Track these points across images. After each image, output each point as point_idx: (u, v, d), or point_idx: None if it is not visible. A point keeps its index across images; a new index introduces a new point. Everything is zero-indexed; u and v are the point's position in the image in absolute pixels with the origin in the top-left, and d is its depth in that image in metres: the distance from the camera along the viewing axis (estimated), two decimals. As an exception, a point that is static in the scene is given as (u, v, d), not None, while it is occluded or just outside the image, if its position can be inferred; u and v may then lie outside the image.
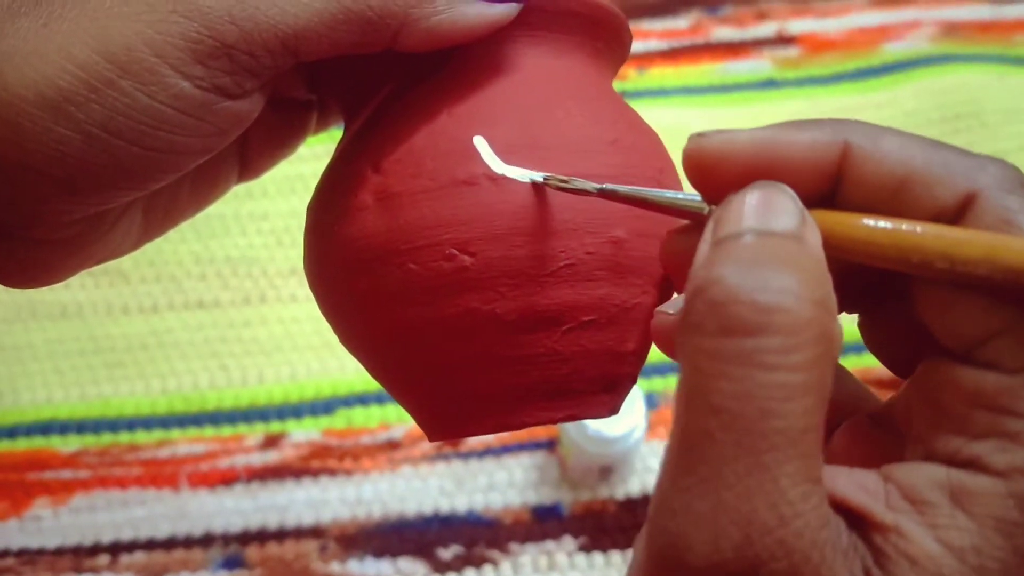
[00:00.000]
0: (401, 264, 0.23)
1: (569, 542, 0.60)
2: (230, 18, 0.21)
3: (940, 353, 0.19)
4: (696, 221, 0.21)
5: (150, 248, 0.76)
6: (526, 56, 0.25)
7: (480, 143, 0.23)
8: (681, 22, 0.91)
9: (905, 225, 0.18)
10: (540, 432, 0.64)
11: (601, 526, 0.60)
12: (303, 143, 0.30)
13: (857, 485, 0.18)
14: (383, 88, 0.25)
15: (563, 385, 0.24)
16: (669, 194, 0.22)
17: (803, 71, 0.87)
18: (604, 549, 0.60)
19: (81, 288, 0.70)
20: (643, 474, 0.63)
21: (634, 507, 0.61)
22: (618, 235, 0.23)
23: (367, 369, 0.27)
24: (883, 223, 0.18)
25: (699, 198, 0.21)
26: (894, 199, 0.19)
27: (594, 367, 0.24)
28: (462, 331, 0.23)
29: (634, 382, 0.26)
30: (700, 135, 0.20)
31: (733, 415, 0.16)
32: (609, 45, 0.27)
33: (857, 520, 0.18)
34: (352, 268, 0.25)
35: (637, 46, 0.89)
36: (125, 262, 0.71)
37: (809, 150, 0.19)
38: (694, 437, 0.17)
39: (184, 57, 0.21)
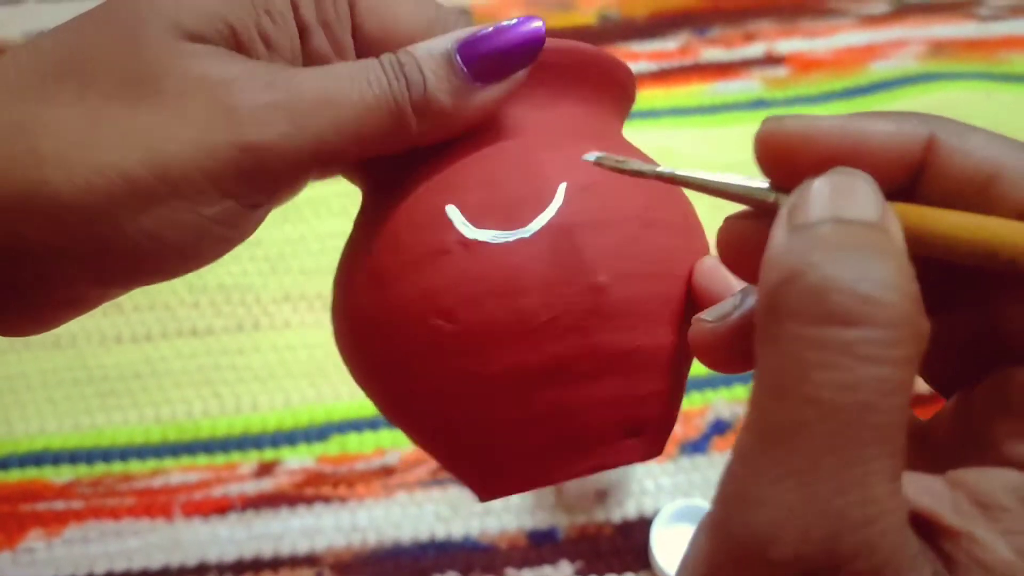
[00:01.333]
0: (393, 338, 0.24)
1: (566, 566, 0.60)
2: (279, 151, 0.22)
3: (1016, 360, 0.18)
4: (759, 209, 0.20)
5: (143, 277, 0.75)
6: (514, 113, 0.25)
7: (452, 211, 0.23)
8: (670, 44, 0.92)
9: (993, 220, 0.18)
10: (535, 456, 0.64)
11: (597, 550, 0.60)
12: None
13: (923, 489, 0.17)
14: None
15: (581, 438, 0.24)
16: (733, 178, 0.21)
17: (792, 91, 0.88)
18: (601, 573, 0.59)
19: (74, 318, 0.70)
20: (639, 497, 0.62)
21: (630, 530, 0.61)
22: (599, 281, 0.23)
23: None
24: (972, 218, 0.18)
25: (765, 185, 0.20)
26: (980, 195, 0.18)
27: (608, 415, 0.24)
28: (463, 397, 0.24)
29: (667, 422, 0.26)
30: (777, 118, 0.19)
31: (833, 407, 0.16)
32: (605, 88, 0.27)
33: (925, 526, 0.17)
34: (356, 345, 0.26)
35: (627, 68, 0.90)
36: (118, 291, 0.71)
37: (893, 139, 0.19)
38: (785, 428, 0.16)
39: (232, 182, 0.22)
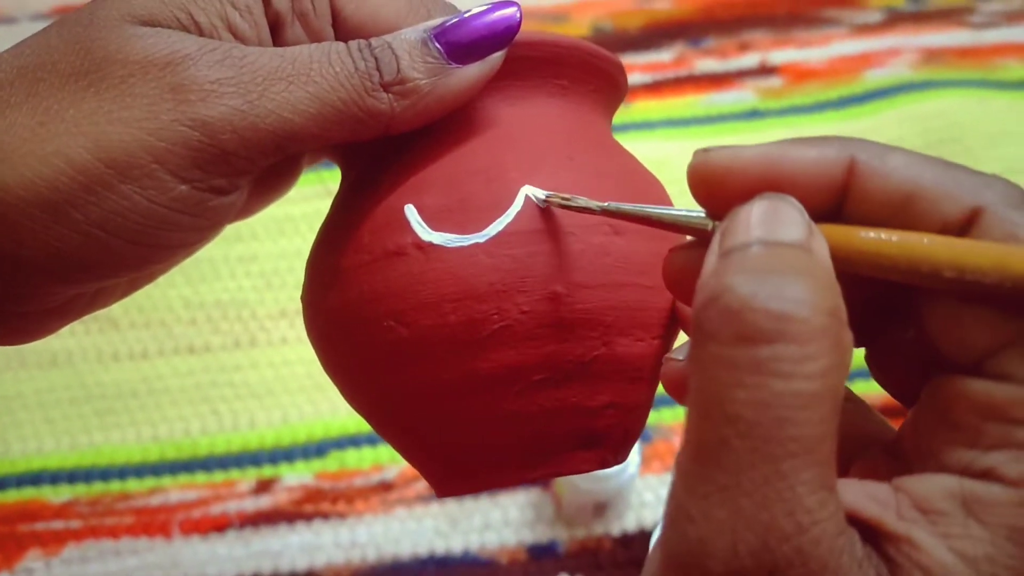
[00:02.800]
0: (353, 337, 0.24)
1: (566, 580, 0.59)
2: (231, 127, 0.21)
3: (949, 368, 0.19)
4: (700, 238, 0.21)
5: (139, 294, 0.76)
6: (487, 110, 0.25)
7: (410, 211, 0.23)
8: (664, 55, 0.92)
9: (914, 236, 0.18)
10: (534, 469, 0.64)
11: (597, 563, 0.60)
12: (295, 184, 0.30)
13: (868, 496, 0.18)
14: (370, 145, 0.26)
15: (534, 445, 0.24)
16: (672, 210, 0.21)
17: (786, 101, 0.88)
18: (601, 587, 0.59)
19: (71, 336, 0.70)
20: (638, 510, 0.62)
21: (630, 543, 0.61)
22: (556, 290, 0.22)
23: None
24: (893, 234, 0.19)
25: (703, 214, 0.21)
26: (900, 214, 0.19)
27: (560, 425, 0.24)
28: (418, 399, 0.24)
29: (629, 433, 0.25)
30: (705, 150, 0.20)
31: (750, 423, 0.16)
32: (585, 81, 0.26)
33: (870, 531, 0.18)
34: (321, 338, 0.25)
35: (621, 80, 0.90)
36: (115, 309, 0.71)
37: (815, 165, 0.19)
38: (711, 446, 0.17)
39: (184, 163, 0.21)
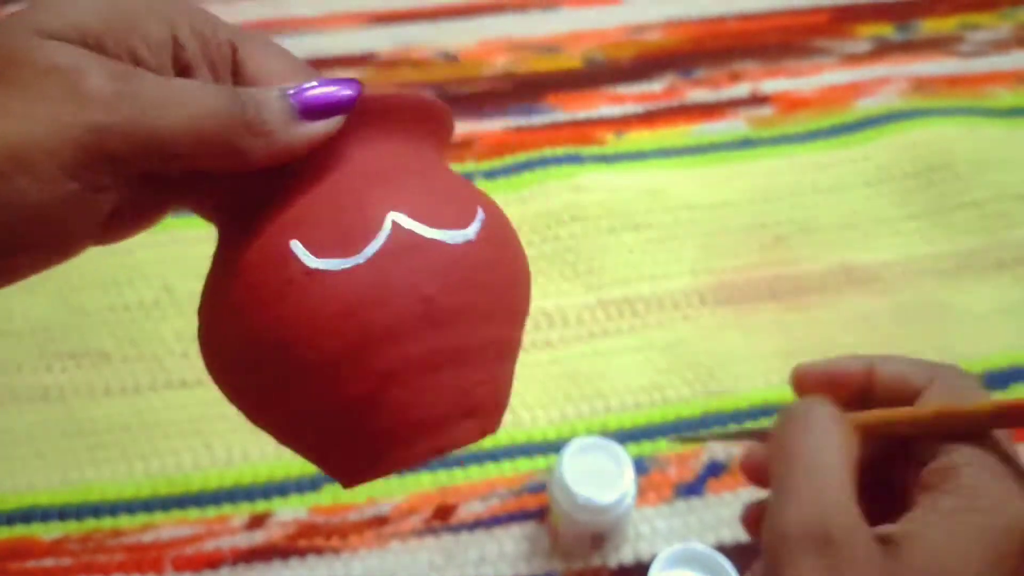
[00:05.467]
0: (258, 365, 0.28)
1: (563, 614, 0.59)
2: (121, 135, 0.25)
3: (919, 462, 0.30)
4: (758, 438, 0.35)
5: (132, 328, 0.76)
6: (350, 153, 0.29)
7: (295, 245, 0.27)
8: (656, 85, 0.93)
9: (882, 412, 0.31)
10: (530, 503, 0.64)
11: (595, 597, 0.59)
12: (164, 218, 0.33)
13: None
14: (240, 190, 0.29)
15: (424, 423, 0.28)
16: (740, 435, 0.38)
17: (778, 129, 0.89)
18: (599, 620, 0.58)
19: (62, 371, 0.70)
20: (635, 541, 0.62)
21: (627, 575, 0.60)
22: (427, 293, 0.27)
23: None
24: (882, 412, 0.32)
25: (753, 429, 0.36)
26: (900, 387, 0.32)
27: (443, 403, 0.28)
28: (322, 404, 0.28)
29: (499, 404, 0.31)
30: (800, 367, 0.35)
31: (799, 453, 0.30)
32: (422, 125, 0.31)
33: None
34: (226, 375, 0.29)
35: (614, 110, 0.91)
36: (107, 342, 0.71)
37: (849, 370, 0.33)
38: (779, 470, 0.30)
39: (77, 163, 0.24)
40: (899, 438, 0.32)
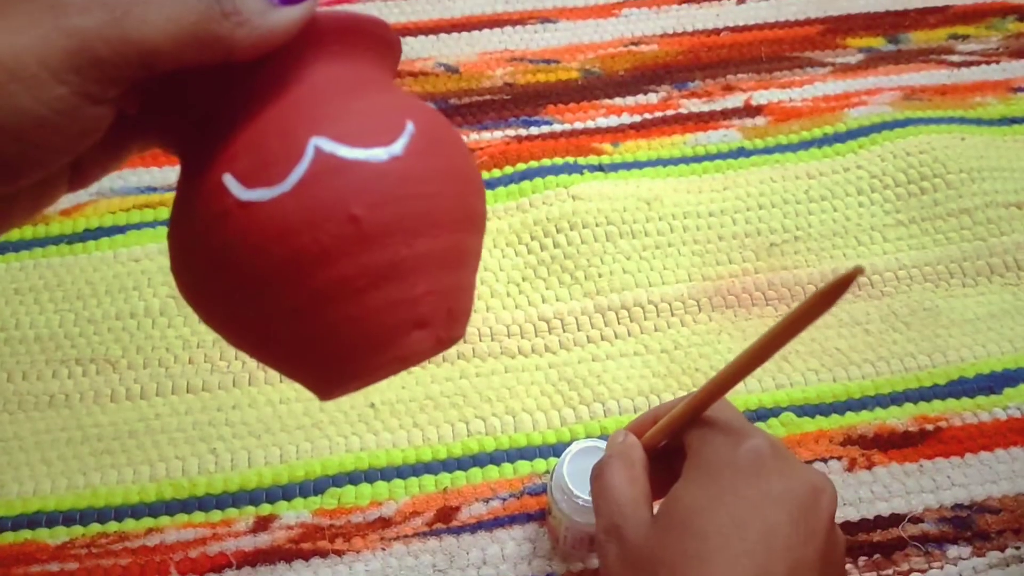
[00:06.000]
0: (204, 289, 0.30)
1: (564, 615, 0.60)
2: (102, 36, 0.25)
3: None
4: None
5: (138, 335, 0.76)
6: (280, 80, 0.30)
7: (227, 179, 0.28)
8: (652, 97, 0.95)
9: (657, 425, 0.45)
10: (531, 504, 0.64)
11: (595, 597, 0.60)
12: (129, 158, 0.34)
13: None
14: (198, 113, 0.31)
15: (374, 340, 0.30)
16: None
17: (771, 139, 0.90)
18: (599, 620, 0.59)
19: (69, 377, 0.71)
20: (635, 542, 0.62)
21: (627, 576, 0.61)
22: (354, 213, 0.28)
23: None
24: (654, 428, 0.46)
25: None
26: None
27: (391, 316, 0.30)
28: (275, 324, 0.29)
29: (453, 311, 0.31)
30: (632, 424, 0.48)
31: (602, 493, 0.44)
32: (368, 46, 0.32)
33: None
34: (191, 297, 0.31)
35: (611, 121, 0.92)
36: (113, 349, 0.72)
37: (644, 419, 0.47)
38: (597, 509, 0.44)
39: (63, 67, 0.25)
40: (671, 436, 0.45)
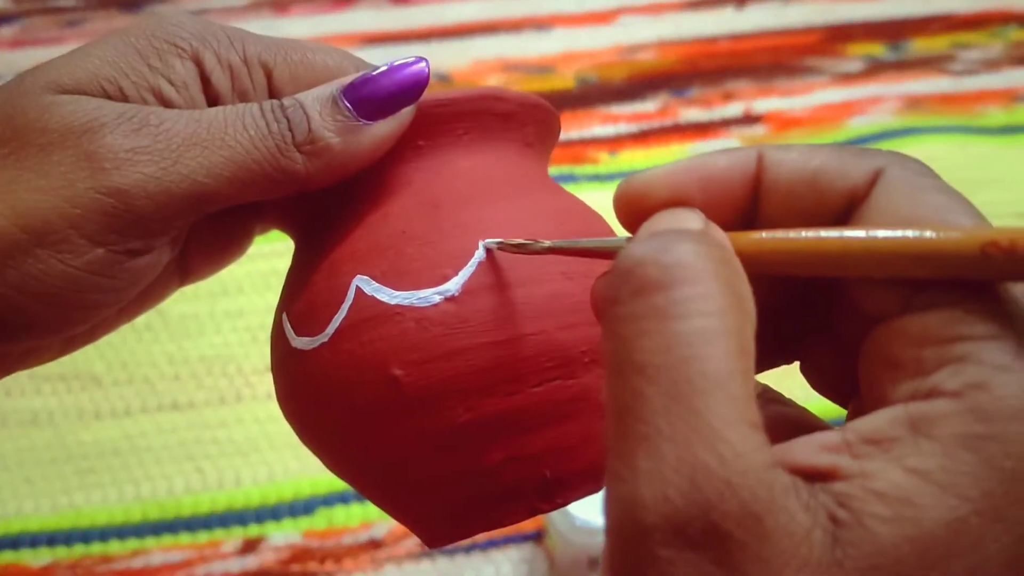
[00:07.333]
0: (325, 406, 0.25)
1: (561, 639, 0.58)
2: (145, 193, 0.22)
3: (883, 322, 0.19)
4: None
5: (123, 350, 0.75)
6: (418, 168, 0.25)
7: (284, 320, 0.25)
8: (649, 105, 0.93)
9: (797, 231, 0.19)
10: (527, 524, 0.63)
11: (593, 621, 0.59)
12: (251, 245, 0.30)
13: (819, 447, 0.18)
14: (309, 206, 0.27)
15: (445, 511, 0.25)
16: (604, 241, 0.23)
17: (771, 148, 0.89)
18: (597, 645, 0.58)
19: (52, 394, 0.69)
20: (634, 563, 0.61)
21: (626, 599, 0.60)
22: (394, 373, 0.23)
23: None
24: (788, 231, 0.20)
25: (627, 238, 0.22)
26: (810, 189, 0.20)
27: (458, 489, 0.25)
28: (394, 460, 0.25)
29: (552, 478, 0.25)
30: (627, 178, 0.21)
31: (657, 368, 0.17)
32: (513, 130, 0.27)
33: (826, 479, 0.18)
34: (293, 412, 0.27)
35: (608, 130, 0.91)
36: (97, 365, 0.70)
37: (727, 170, 0.21)
38: (626, 400, 0.17)
39: (99, 228, 0.22)
40: (816, 279, 0.21)
